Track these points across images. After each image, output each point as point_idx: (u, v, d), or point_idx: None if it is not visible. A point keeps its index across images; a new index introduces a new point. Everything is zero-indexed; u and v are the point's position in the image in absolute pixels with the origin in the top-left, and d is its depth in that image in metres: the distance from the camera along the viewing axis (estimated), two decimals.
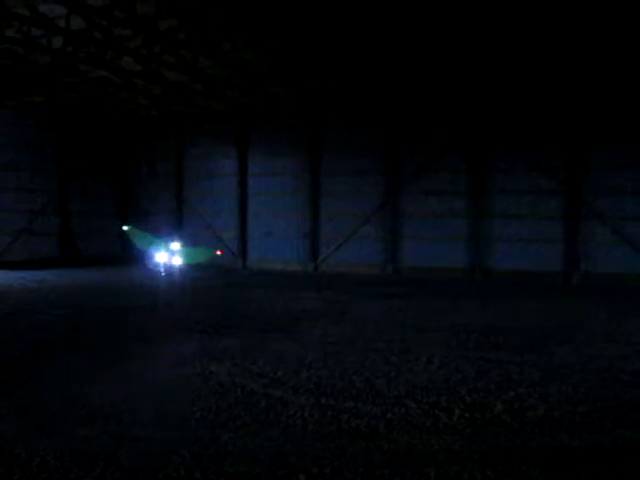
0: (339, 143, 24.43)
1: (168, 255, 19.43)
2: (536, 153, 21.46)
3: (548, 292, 18.24)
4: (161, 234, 20.70)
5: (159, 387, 7.34)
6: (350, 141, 24.18)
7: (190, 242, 22.96)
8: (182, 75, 19.63)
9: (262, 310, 13.84)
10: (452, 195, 22.65)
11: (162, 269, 19.32)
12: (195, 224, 27.05)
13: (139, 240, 20.18)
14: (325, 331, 11.15)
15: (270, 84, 21.20)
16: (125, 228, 20.14)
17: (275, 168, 25.65)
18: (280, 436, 5.76)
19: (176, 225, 27.10)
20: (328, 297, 16.35)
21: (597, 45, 16.50)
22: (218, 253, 22.14)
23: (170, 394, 7.05)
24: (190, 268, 20.06)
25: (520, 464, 5.10)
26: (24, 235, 24.90)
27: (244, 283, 20.01)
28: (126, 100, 23.94)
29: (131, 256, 26.21)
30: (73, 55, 17.31)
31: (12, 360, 8.74)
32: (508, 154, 21.83)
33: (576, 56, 17.39)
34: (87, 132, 27.03)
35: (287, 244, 25.27)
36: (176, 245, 19.81)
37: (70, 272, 22.25)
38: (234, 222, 26.43)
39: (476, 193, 22.36)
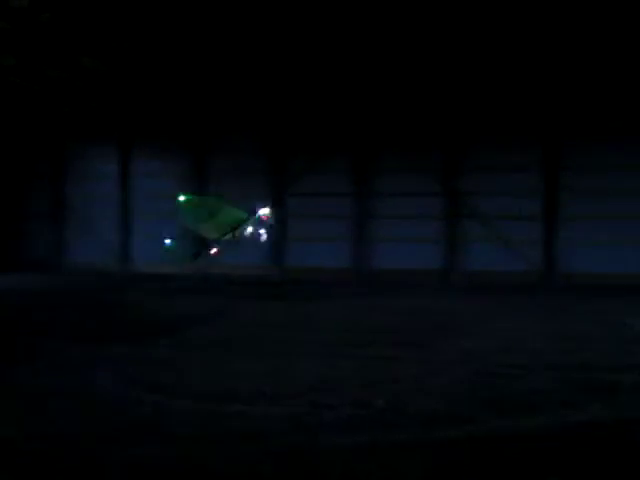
0: (225, 145, 24.24)
1: (255, 227, 14.17)
2: (419, 155, 22.15)
3: (429, 290, 18.85)
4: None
5: (41, 398, 6.99)
6: (237, 143, 24.03)
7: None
8: (62, 74, 18.93)
9: (145, 315, 13.52)
10: (338, 196, 22.98)
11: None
12: (79, 228, 26.03)
13: (200, 214, 13.84)
14: (206, 334, 11.04)
15: (153, 87, 20.80)
16: (181, 198, 13.47)
17: (160, 170, 25.10)
18: (164, 442, 5.63)
19: (56, 230, 26.12)
20: (212, 300, 16.19)
21: (485, 47, 17.20)
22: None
23: (52, 405, 6.73)
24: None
25: (400, 457, 5.22)
26: None
27: (127, 288, 19.47)
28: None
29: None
30: None
31: None
32: (393, 156, 22.40)
33: (456, 57, 18.06)
34: None
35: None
36: (266, 210, 14.28)
37: None
38: (118, 225, 25.67)
39: (361, 194, 22.82)
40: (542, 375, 7.88)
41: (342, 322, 12.51)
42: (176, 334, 11.01)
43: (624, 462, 5.07)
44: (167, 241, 14.17)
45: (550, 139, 21.28)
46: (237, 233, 13.84)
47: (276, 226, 14.14)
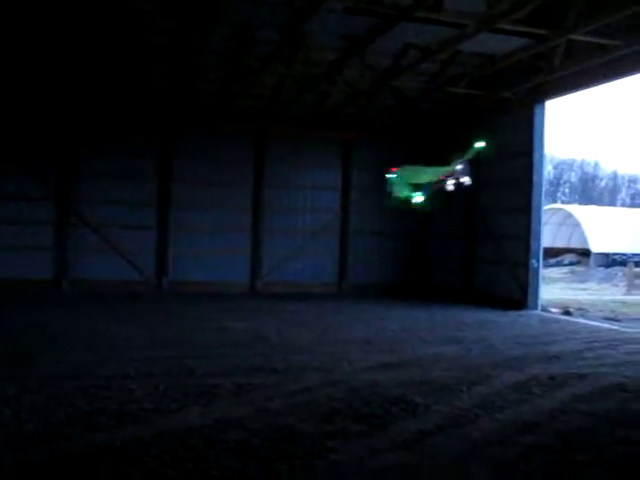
0: None
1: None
2: (27, 158, 20.75)
3: (37, 300, 17.76)
4: None
5: None
6: None
7: None
8: None
9: None
10: None
11: None
12: None
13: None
14: None
15: None
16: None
17: None
18: None
19: None
20: None
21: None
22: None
23: None
24: None
25: None
26: None
27: None
28: None
29: None
30: None
31: None
32: None
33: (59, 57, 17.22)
34: None
35: None
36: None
37: None
38: None
39: None
40: (143, 384, 7.91)
41: None
42: None
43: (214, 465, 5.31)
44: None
45: (162, 149, 21.78)
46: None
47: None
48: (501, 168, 19.71)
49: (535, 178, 18.30)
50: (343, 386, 8.15)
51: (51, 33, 15.17)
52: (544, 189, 19.21)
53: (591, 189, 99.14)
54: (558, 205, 62.61)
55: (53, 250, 21.03)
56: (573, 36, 13.40)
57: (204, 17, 13.49)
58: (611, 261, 41.38)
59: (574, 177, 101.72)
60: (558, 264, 42.82)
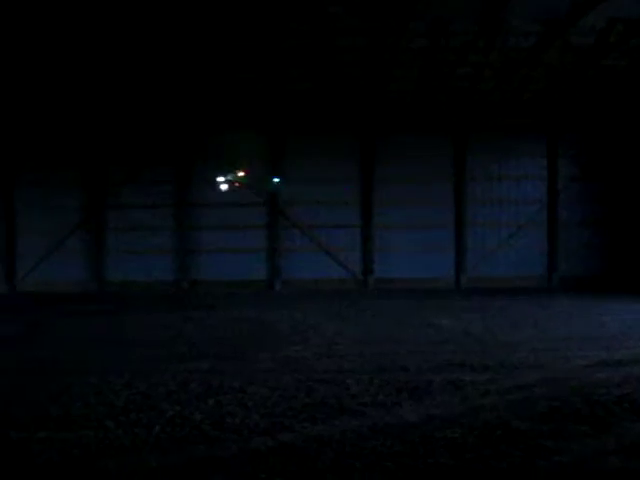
0: (33, 157, 22.72)
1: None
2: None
3: (253, 299, 18.95)
4: None
5: None
6: (44, 155, 22.58)
7: None
8: None
9: None
10: (159, 208, 22.45)
11: None
12: None
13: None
14: (22, 355, 10.34)
15: None
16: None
17: None
18: None
19: None
20: (26, 319, 15.19)
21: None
22: None
23: None
24: None
25: (217, 472, 5.14)
26: None
27: None
28: None
29: None
30: None
31: None
32: (212, 166, 22.28)
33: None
34: None
35: None
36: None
37: None
38: None
39: (182, 205, 22.45)
40: (358, 379, 8.13)
41: (163, 336, 12.22)
42: None
43: (431, 461, 5.32)
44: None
45: (366, 152, 22.24)
46: None
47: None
48: None
49: None
50: (560, 384, 7.81)
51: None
52: None
53: None
54: None
55: (266, 252, 22.30)
56: None
57: (399, 16, 13.59)
58: None
59: None
60: None
